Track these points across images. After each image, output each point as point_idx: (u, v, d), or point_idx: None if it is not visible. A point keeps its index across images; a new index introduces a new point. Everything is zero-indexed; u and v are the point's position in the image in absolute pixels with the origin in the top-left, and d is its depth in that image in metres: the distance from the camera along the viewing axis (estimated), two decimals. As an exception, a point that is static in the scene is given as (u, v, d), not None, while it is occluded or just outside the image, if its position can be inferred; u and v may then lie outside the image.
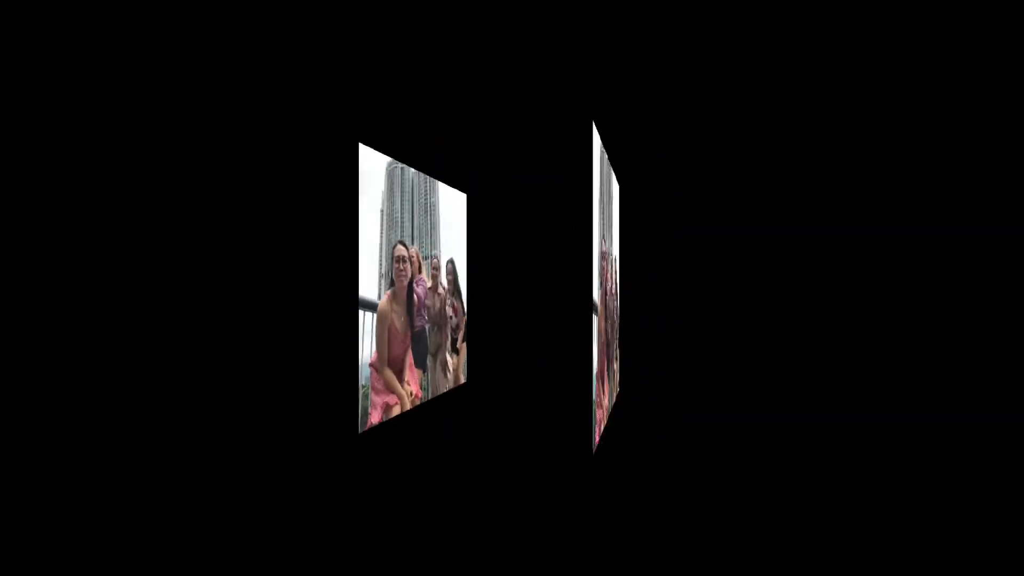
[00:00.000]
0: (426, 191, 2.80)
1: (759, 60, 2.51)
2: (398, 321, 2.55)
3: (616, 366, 2.94)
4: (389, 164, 2.47)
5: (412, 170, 2.64)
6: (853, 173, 2.47)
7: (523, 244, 2.96)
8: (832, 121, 2.48)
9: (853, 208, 2.45)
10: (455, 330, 3.15)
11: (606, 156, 2.35)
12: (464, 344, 3.25)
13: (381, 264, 2.42)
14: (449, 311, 3.09)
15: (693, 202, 2.65)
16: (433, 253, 2.87)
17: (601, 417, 2.37)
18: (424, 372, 2.80)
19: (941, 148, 2.40)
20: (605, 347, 2.58)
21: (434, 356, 2.89)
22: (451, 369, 3.08)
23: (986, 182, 2.41)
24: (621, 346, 2.79)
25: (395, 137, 2.41)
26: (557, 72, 2.64)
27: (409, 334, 2.64)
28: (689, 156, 2.69)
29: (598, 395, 2.24)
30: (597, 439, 2.18)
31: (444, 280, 3.01)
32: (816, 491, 2.21)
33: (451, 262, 3.09)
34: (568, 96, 2.70)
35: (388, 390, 2.47)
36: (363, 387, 2.31)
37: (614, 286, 2.72)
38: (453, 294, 3.13)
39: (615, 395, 2.86)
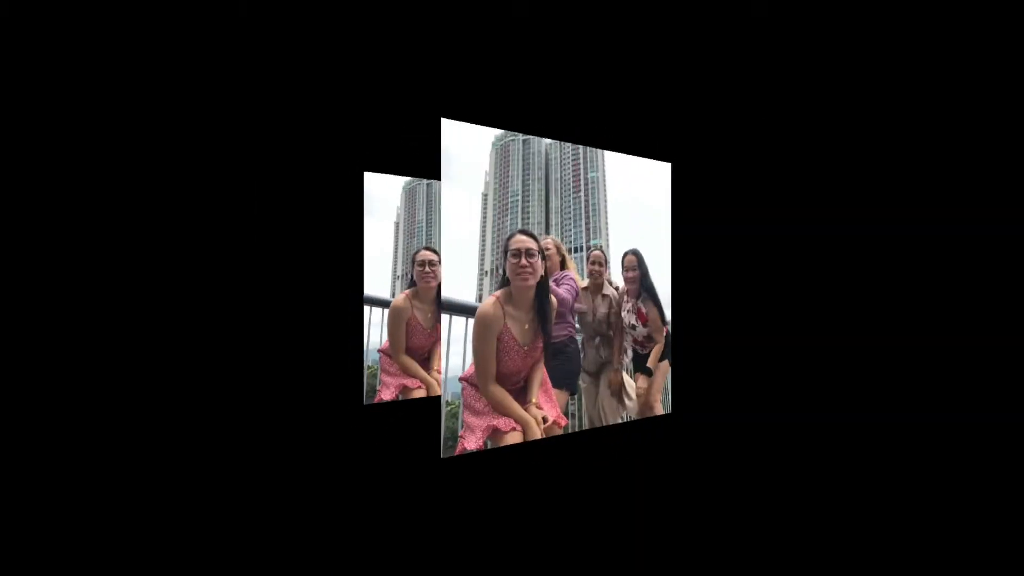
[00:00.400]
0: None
1: (757, 60, 2.42)
2: (421, 316, 2.87)
3: (632, 378, 2.59)
4: (408, 183, 2.83)
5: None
6: (852, 173, 2.35)
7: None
8: (832, 121, 2.39)
9: (853, 208, 2.34)
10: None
11: (535, 144, 2.25)
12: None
13: (396, 267, 2.81)
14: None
15: (693, 202, 2.51)
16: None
17: (511, 426, 2.20)
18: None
19: (941, 148, 2.29)
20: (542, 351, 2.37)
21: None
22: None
23: (986, 182, 2.29)
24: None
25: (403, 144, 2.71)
26: (559, 72, 2.53)
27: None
28: (688, 155, 2.52)
29: (494, 401, 2.14)
30: (468, 446, 2.09)
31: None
32: (816, 492, 2.21)
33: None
34: (565, 94, 2.54)
35: (405, 373, 2.84)
36: (369, 367, 2.76)
37: (600, 283, 2.46)
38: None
39: (624, 406, 2.53)
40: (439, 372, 2.93)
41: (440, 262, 2.86)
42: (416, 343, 2.86)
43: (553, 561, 2.15)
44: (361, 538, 2.05)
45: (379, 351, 2.82)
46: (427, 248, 2.89)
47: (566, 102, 2.48)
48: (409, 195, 2.86)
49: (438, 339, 2.93)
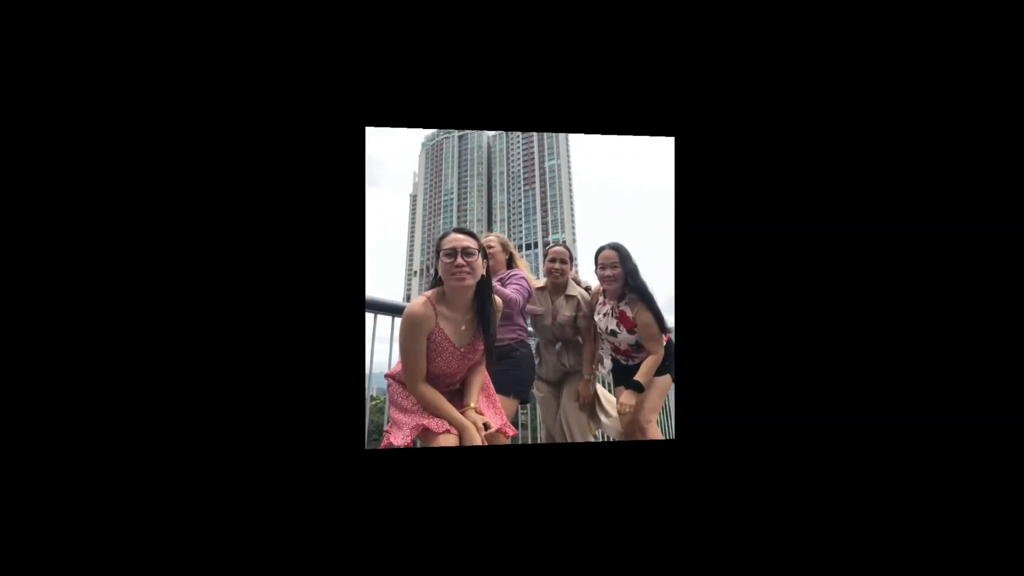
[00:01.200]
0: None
1: (757, 60, 2.31)
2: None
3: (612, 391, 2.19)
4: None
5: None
6: (853, 173, 2.28)
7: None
8: (832, 121, 2.31)
9: (853, 208, 2.27)
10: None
11: (473, 139, 2.19)
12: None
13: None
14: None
15: (692, 202, 2.31)
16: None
17: (444, 428, 1.90)
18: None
19: (940, 148, 2.26)
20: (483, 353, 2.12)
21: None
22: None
23: (986, 182, 2.23)
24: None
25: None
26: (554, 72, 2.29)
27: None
28: (687, 155, 2.30)
29: (424, 401, 1.93)
30: (395, 441, 1.84)
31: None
32: (816, 492, 2.21)
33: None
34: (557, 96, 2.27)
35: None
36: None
37: (562, 283, 2.18)
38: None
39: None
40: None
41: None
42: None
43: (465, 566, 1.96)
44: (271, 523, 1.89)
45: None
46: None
47: (544, 87, 2.26)
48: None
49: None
